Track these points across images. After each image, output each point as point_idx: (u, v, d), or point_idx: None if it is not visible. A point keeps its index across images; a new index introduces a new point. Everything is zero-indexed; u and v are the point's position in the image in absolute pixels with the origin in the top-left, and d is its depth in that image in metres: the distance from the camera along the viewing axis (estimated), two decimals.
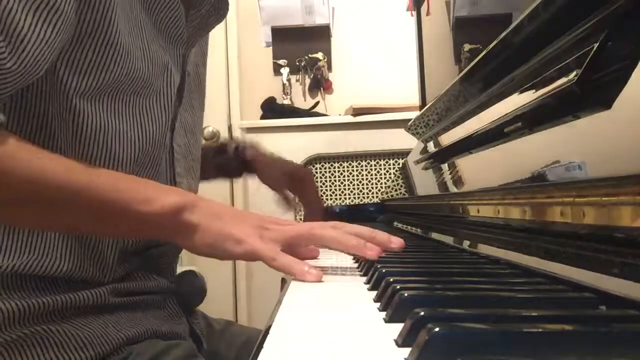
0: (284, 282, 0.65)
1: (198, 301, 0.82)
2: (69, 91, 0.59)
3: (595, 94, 0.44)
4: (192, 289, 0.79)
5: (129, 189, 0.59)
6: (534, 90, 0.56)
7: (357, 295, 0.47)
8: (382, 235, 0.62)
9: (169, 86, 0.69)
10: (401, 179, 1.42)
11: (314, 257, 0.70)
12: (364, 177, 2.17)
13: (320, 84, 2.31)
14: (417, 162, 1.17)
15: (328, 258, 0.76)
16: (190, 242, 0.59)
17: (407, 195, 1.31)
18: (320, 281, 0.55)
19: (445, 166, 0.94)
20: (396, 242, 0.62)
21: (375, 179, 2.16)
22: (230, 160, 1.04)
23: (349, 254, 0.66)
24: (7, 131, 0.56)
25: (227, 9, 0.78)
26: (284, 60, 2.31)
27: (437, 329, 0.26)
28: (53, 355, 0.59)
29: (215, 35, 2.19)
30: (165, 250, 0.75)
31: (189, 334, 0.75)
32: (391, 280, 0.42)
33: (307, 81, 2.33)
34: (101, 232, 0.64)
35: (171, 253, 0.77)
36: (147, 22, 0.66)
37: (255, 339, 0.98)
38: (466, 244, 0.71)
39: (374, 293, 0.46)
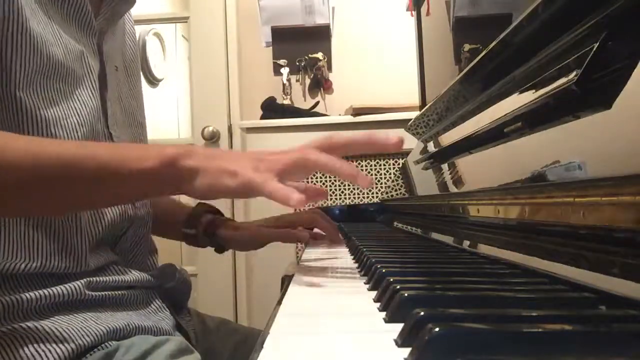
0: (284, 282, 0.65)
1: (184, 296, 0.82)
2: (8, 84, 0.61)
3: (595, 94, 0.44)
4: (175, 283, 0.79)
5: (123, 152, 0.61)
6: (534, 90, 0.56)
7: (357, 295, 0.47)
8: (378, 134, 0.63)
9: (89, 72, 0.70)
10: (401, 179, 1.42)
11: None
12: None
13: (320, 84, 2.31)
14: (417, 162, 1.17)
15: (328, 258, 0.77)
16: (191, 186, 0.60)
17: (407, 195, 1.31)
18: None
19: (445, 166, 0.94)
20: (394, 137, 0.63)
21: (375, 179, 2.16)
22: (198, 235, 0.93)
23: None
24: None
25: None
26: (284, 60, 2.31)
27: (437, 329, 0.26)
28: (33, 350, 0.59)
29: (215, 35, 2.20)
30: (134, 240, 0.76)
31: (176, 330, 0.75)
32: (391, 280, 0.42)
33: (307, 81, 2.33)
34: (103, 200, 0.65)
35: (142, 243, 0.78)
36: (55, 13, 0.68)
37: (251, 338, 0.97)
38: (466, 244, 0.71)
39: (374, 293, 0.46)
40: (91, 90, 0.70)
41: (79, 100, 0.68)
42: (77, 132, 0.66)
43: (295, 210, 1.03)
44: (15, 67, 0.61)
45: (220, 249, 0.95)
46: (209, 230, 0.92)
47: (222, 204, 0.97)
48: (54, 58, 0.64)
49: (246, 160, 0.60)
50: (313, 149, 0.61)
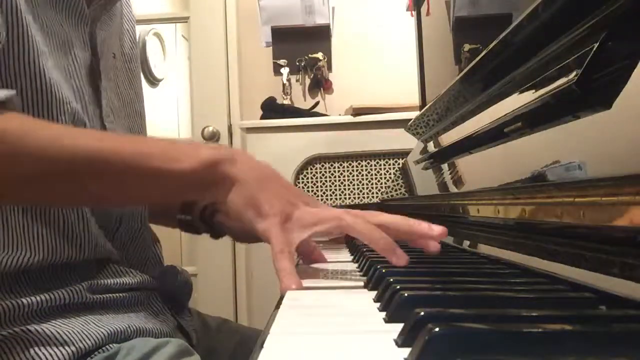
0: None
1: (185, 297, 0.82)
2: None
3: (595, 94, 0.44)
4: (176, 285, 0.78)
5: (155, 151, 0.58)
6: (534, 90, 0.56)
7: (357, 295, 0.47)
8: (420, 226, 0.57)
9: (75, 63, 0.68)
10: (401, 179, 1.42)
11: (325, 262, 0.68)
12: (364, 177, 2.17)
13: (320, 84, 2.31)
14: (417, 162, 1.17)
15: (327, 257, 0.76)
16: (226, 194, 0.57)
17: (407, 195, 1.31)
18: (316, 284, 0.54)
19: (445, 166, 0.94)
20: (437, 229, 0.57)
21: (375, 179, 2.16)
22: (194, 221, 0.89)
23: None
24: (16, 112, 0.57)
25: None
26: (284, 60, 2.31)
27: (437, 329, 0.26)
28: (34, 354, 0.59)
29: (216, 35, 2.20)
30: (129, 234, 0.76)
31: (177, 331, 0.75)
32: (391, 280, 0.42)
33: (307, 81, 2.33)
34: (129, 198, 0.64)
35: (139, 236, 0.78)
36: (45, 2, 0.66)
37: (251, 338, 0.97)
38: (466, 244, 0.71)
39: (374, 293, 0.46)
40: (79, 82, 0.68)
41: (70, 90, 0.66)
42: (72, 123, 0.65)
43: None
44: (12, 49, 0.60)
45: (216, 235, 0.93)
46: (204, 214, 0.90)
47: None
48: (40, 46, 0.62)
49: (282, 202, 0.56)
50: (353, 213, 0.57)
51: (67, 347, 0.60)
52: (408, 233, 0.57)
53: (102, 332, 0.62)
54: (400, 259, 0.54)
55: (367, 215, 0.57)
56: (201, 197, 0.64)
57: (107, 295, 0.67)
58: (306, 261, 0.70)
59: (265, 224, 0.55)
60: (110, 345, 0.63)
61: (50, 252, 0.63)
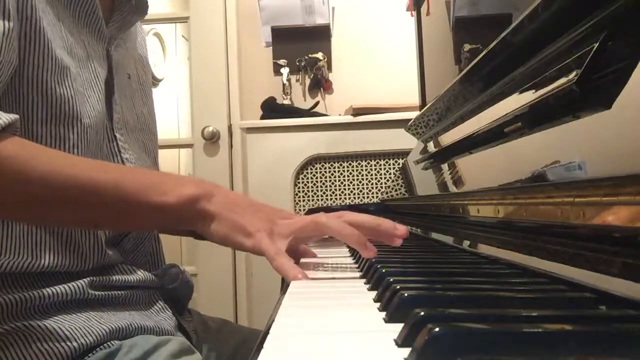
0: (284, 282, 0.65)
1: (186, 297, 0.82)
2: (20, 81, 0.62)
3: (595, 94, 0.44)
4: (177, 284, 0.79)
5: (147, 182, 0.62)
6: (534, 90, 0.56)
7: (357, 295, 0.47)
8: (387, 224, 0.64)
9: (96, 77, 0.71)
10: (401, 179, 1.42)
11: (314, 256, 0.73)
12: (364, 177, 2.17)
13: (320, 84, 2.31)
14: (417, 162, 1.17)
15: (328, 257, 0.77)
16: (207, 229, 0.63)
17: (407, 195, 1.31)
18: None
19: (445, 166, 0.94)
20: (401, 229, 0.64)
21: (375, 179, 2.16)
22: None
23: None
24: (19, 137, 0.59)
25: (147, 7, 0.82)
26: (284, 60, 2.31)
27: (437, 329, 0.26)
28: (36, 349, 0.59)
29: (216, 35, 2.20)
30: (137, 240, 0.77)
31: (177, 331, 0.76)
32: (391, 280, 0.42)
33: (307, 81, 2.33)
34: (124, 225, 0.68)
35: (146, 242, 0.79)
36: (66, 16, 0.69)
37: (251, 339, 0.98)
38: (466, 244, 0.71)
39: (374, 293, 0.46)
40: (97, 95, 0.71)
41: (88, 102, 0.68)
42: (87, 134, 0.67)
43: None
44: (26, 65, 0.62)
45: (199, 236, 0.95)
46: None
47: None
48: (60, 60, 0.65)
49: (262, 222, 0.62)
50: (326, 215, 0.64)
51: (68, 343, 0.60)
52: (375, 230, 0.63)
53: (103, 329, 0.63)
54: (370, 251, 0.60)
55: (339, 214, 0.64)
56: (186, 228, 0.68)
57: (108, 292, 0.67)
58: (295, 259, 0.72)
59: (253, 240, 0.61)
60: (112, 342, 0.63)
61: (53, 260, 0.64)
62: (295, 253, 0.72)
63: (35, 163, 0.57)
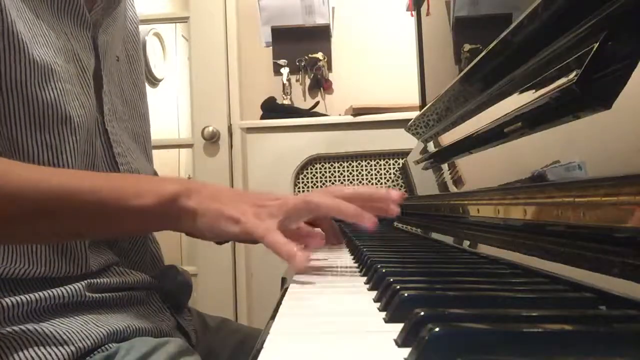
0: (284, 282, 0.65)
1: (185, 297, 0.82)
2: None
3: (595, 94, 0.44)
4: (176, 285, 0.79)
5: (124, 186, 0.60)
6: (534, 90, 0.56)
7: (357, 295, 0.47)
8: (380, 191, 0.63)
9: (83, 71, 0.69)
10: (401, 179, 1.42)
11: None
12: (364, 177, 2.17)
13: (320, 84, 2.31)
14: (417, 162, 1.17)
15: (327, 257, 0.76)
16: (192, 226, 0.60)
17: (407, 195, 1.31)
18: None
19: (445, 166, 0.94)
20: (395, 193, 0.63)
21: (375, 179, 2.16)
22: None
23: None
24: None
25: None
26: (284, 60, 2.31)
27: (437, 329, 0.26)
28: (33, 353, 0.58)
29: (216, 35, 2.20)
30: (133, 239, 0.76)
31: (176, 331, 0.75)
32: (391, 280, 0.42)
33: (307, 81, 2.34)
34: (107, 232, 0.65)
35: (143, 244, 0.78)
36: (44, 11, 0.66)
37: (251, 338, 0.97)
38: (466, 244, 0.71)
39: (374, 293, 0.46)
40: (86, 89, 0.69)
41: (78, 100, 0.67)
42: (77, 135, 0.66)
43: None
44: (3, 73, 0.60)
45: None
46: None
47: None
48: (42, 62, 0.63)
49: (248, 205, 0.60)
50: (317, 193, 0.62)
51: (66, 347, 0.60)
52: (369, 200, 0.62)
53: (101, 332, 0.62)
54: (369, 220, 0.59)
55: (330, 190, 0.63)
56: (168, 229, 0.65)
57: (106, 294, 0.67)
58: (302, 243, 0.69)
59: (240, 225, 0.58)
60: (110, 344, 0.62)
61: (48, 267, 0.63)
62: (298, 238, 0.69)
63: (6, 180, 0.55)
